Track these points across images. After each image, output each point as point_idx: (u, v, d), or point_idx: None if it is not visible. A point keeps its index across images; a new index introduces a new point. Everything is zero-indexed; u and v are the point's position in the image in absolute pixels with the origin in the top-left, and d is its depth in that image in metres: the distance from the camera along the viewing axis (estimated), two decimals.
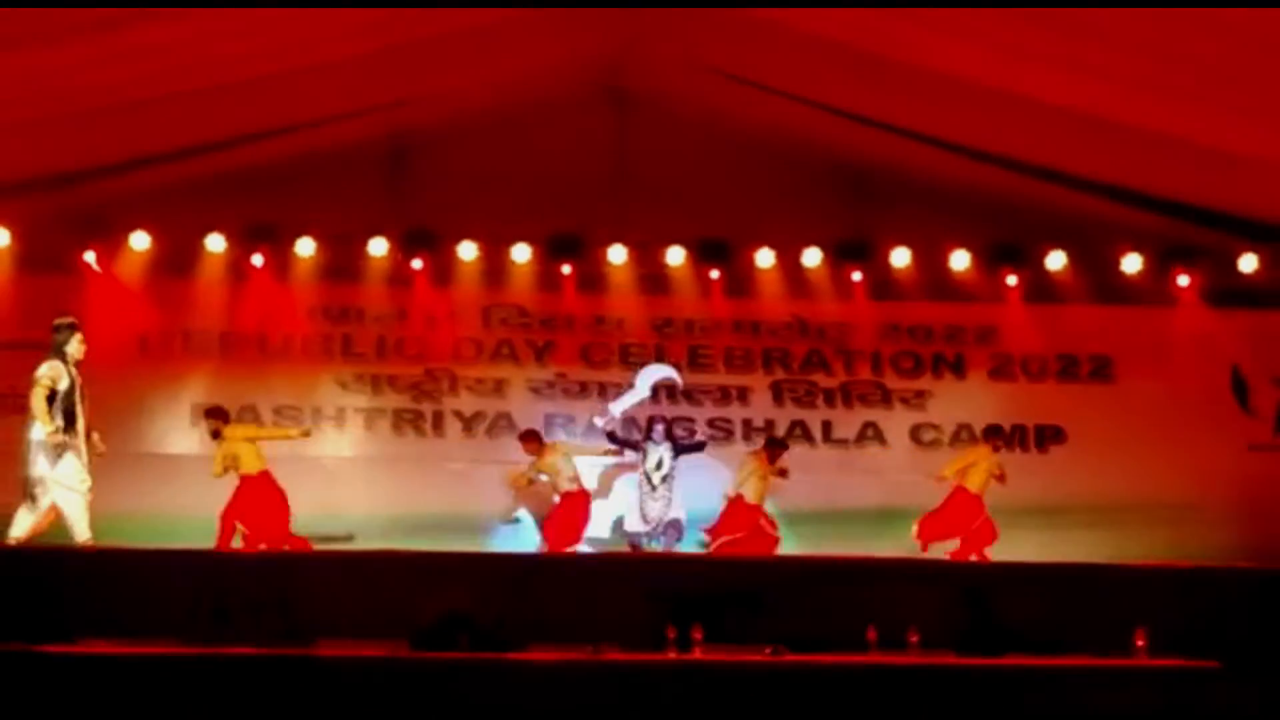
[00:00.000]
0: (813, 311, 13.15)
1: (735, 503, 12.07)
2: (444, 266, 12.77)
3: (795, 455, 12.60)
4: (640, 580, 9.47)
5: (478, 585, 9.20)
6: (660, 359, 12.69)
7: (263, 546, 10.77)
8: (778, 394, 13.14)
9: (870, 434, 13.11)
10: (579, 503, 11.99)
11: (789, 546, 12.18)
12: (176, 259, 12.48)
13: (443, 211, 12.55)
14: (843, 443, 13.13)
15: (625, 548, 12.09)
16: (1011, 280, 12.97)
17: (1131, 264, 12.86)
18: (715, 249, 12.79)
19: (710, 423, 13.02)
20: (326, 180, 12.41)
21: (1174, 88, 9.57)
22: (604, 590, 9.43)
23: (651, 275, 13.01)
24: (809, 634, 8.69)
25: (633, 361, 13.03)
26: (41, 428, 9.69)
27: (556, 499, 12.04)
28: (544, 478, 12.05)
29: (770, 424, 13.01)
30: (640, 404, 12.32)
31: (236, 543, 10.89)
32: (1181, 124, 10.16)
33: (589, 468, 12.39)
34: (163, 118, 10.62)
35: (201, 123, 11.09)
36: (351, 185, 12.56)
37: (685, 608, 8.68)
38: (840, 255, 12.89)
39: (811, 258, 12.87)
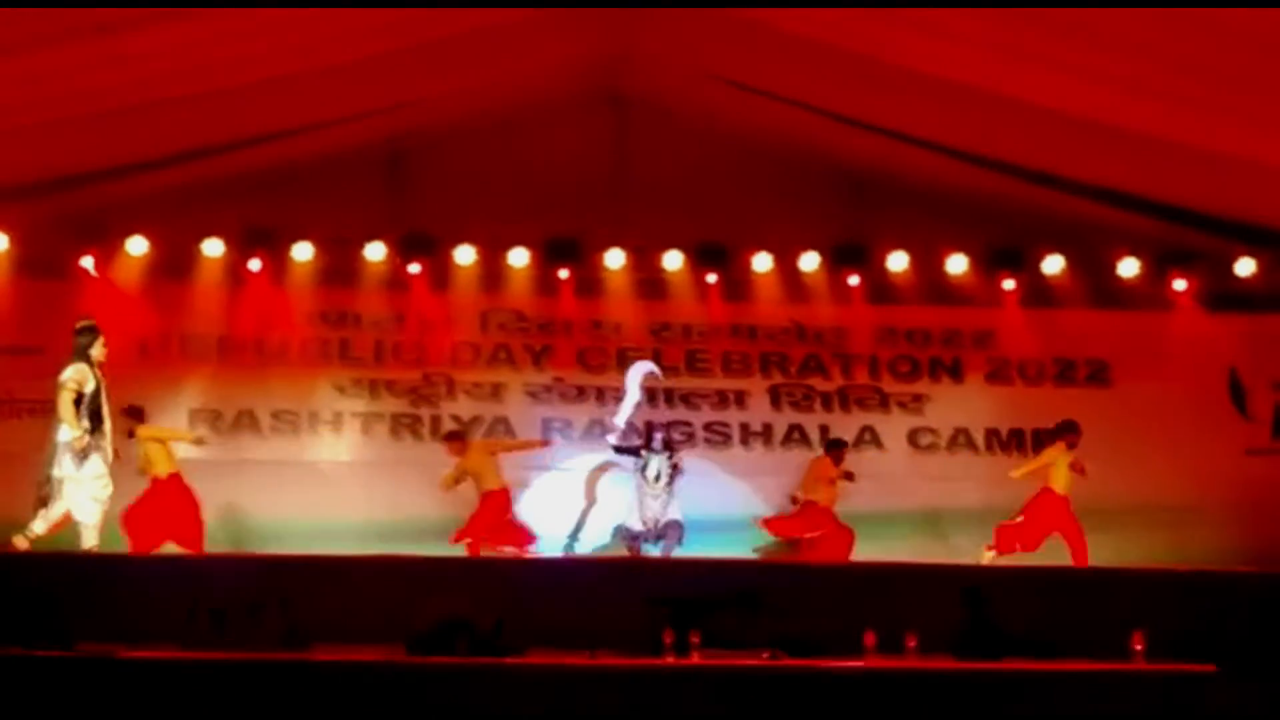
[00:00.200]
0: (810, 316, 13.15)
1: (808, 506, 12.08)
2: (441, 271, 12.76)
3: (792, 459, 12.61)
4: (637, 585, 9.46)
5: (475, 590, 9.21)
6: (657, 363, 12.66)
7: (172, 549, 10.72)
8: (775, 398, 13.13)
9: (868, 438, 13.09)
10: (499, 502, 11.80)
11: (785, 551, 12.19)
12: (174, 263, 12.46)
13: (440, 216, 12.56)
14: None
15: (623, 547, 12.01)
16: (1009, 284, 12.97)
17: (1129, 268, 12.87)
18: (713, 253, 12.79)
19: (708, 427, 13.01)
20: (323, 184, 12.41)
21: (1172, 91, 9.57)
22: (601, 595, 9.44)
23: (649, 279, 13.01)
24: (806, 638, 8.69)
25: (630, 366, 13.01)
26: (69, 430, 9.66)
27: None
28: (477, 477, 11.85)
29: (768, 428, 13.01)
30: (638, 407, 12.24)
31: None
32: (1179, 128, 10.15)
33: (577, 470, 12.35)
34: (160, 122, 10.61)
35: (198, 127, 11.07)
36: (348, 189, 12.56)
37: (682, 612, 8.68)
38: (838, 259, 12.89)
39: (809, 262, 12.87)
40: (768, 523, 12.26)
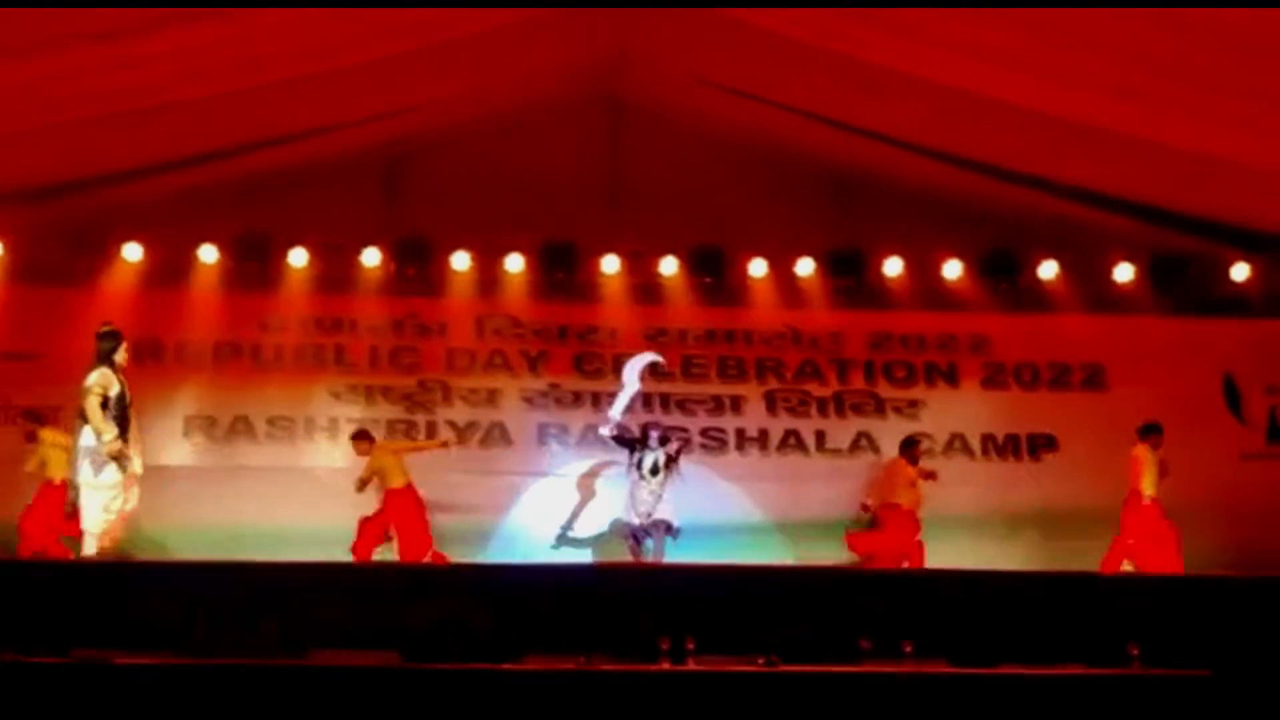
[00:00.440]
0: (806, 321, 13.17)
1: (891, 511, 11.91)
2: (437, 276, 12.77)
3: (788, 464, 12.62)
4: (633, 590, 9.45)
5: (470, 595, 9.19)
6: (654, 368, 12.64)
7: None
8: (771, 404, 13.14)
9: (864, 443, 13.11)
10: (404, 502, 11.63)
11: (781, 556, 12.19)
12: (169, 269, 12.46)
13: (435, 221, 12.57)
14: (836, 452, 13.12)
15: (623, 540, 11.92)
16: (1004, 289, 12.99)
17: (1123, 273, 12.90)
18: (708, 259, 12.82)
19: (704, 432, 13.03)
20: (319, 190, 12.43)
21: (1166, 96, 9.59)
22: (596, 600, 9.43)
23: (644, 285, 13.03)
24: (802, 644, 8.68)
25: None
26: (94, 435, 9.62)
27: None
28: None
29: (764, 434, 13.03)
30: (634, 397, 12.15)
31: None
32: (1173, 133, 10.18)
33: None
34: (155, 129, 10.63)
35: (194, 134, 11.10)
36: (344, 195, 12.58)
37: (678, 618, 8.68)
38: (833, 265, 12.92)
39: (804, 267, 12.90)
40: (852, 540, 12.01)
